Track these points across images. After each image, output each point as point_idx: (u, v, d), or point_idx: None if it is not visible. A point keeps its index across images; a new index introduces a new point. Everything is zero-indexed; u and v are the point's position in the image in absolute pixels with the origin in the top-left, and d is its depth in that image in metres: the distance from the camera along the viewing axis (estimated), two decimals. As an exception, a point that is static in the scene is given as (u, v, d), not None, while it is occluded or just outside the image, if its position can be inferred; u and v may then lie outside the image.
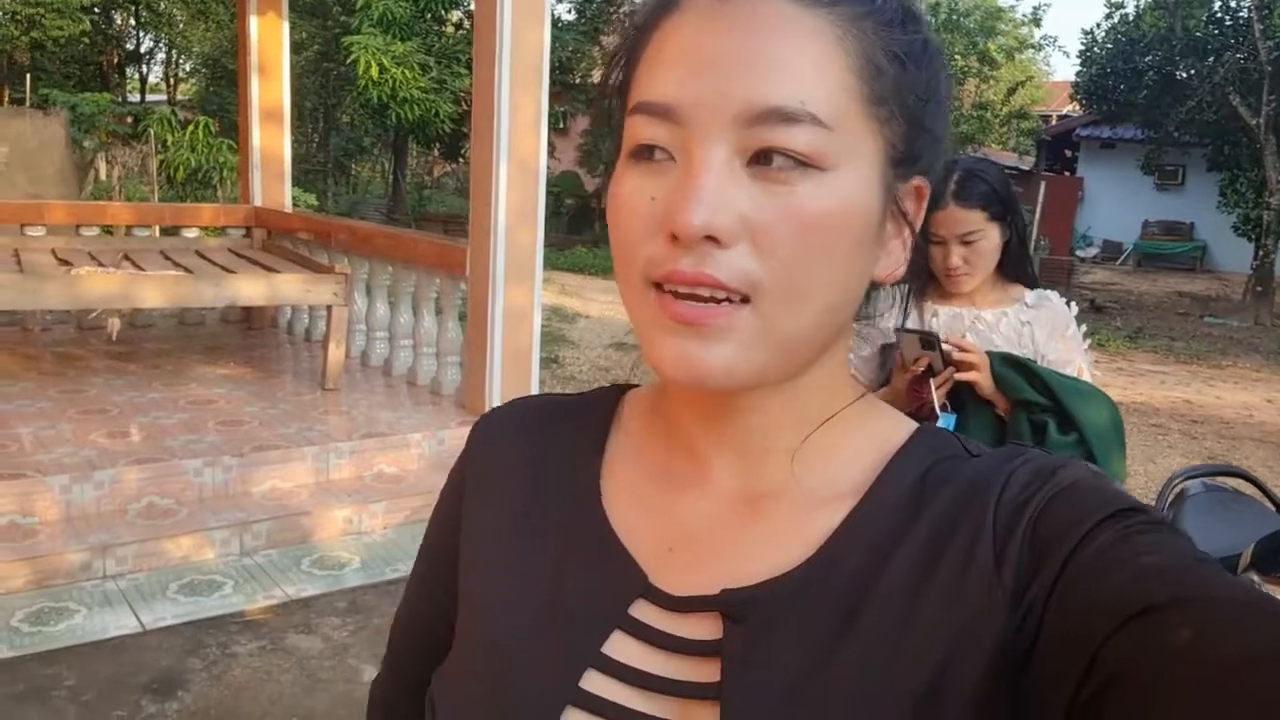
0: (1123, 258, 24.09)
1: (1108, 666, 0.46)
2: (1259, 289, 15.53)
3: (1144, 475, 6.32)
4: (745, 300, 0.53)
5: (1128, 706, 0.45)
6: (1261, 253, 15.61)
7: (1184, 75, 16.96)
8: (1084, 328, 2.12)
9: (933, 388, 1.96)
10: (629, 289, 0.57)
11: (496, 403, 4.92)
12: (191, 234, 7.13)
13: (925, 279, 2.13)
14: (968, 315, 2.10)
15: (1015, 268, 2.10)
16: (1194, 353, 11.97)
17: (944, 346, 1.97)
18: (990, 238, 2.02)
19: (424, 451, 4.79)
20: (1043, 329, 2.05)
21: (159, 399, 5.09)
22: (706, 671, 0.58)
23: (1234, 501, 2.38)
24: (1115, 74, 17.91)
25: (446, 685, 0.66)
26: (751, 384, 0.56)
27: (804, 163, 0.53)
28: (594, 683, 0.60)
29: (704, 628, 0.59)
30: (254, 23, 6.92)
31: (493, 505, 0.70)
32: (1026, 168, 23.79)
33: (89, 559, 3.69)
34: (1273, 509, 2.30)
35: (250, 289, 5.29)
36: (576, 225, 20.19)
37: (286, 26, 7.09)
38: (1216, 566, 0.50)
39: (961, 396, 2.01)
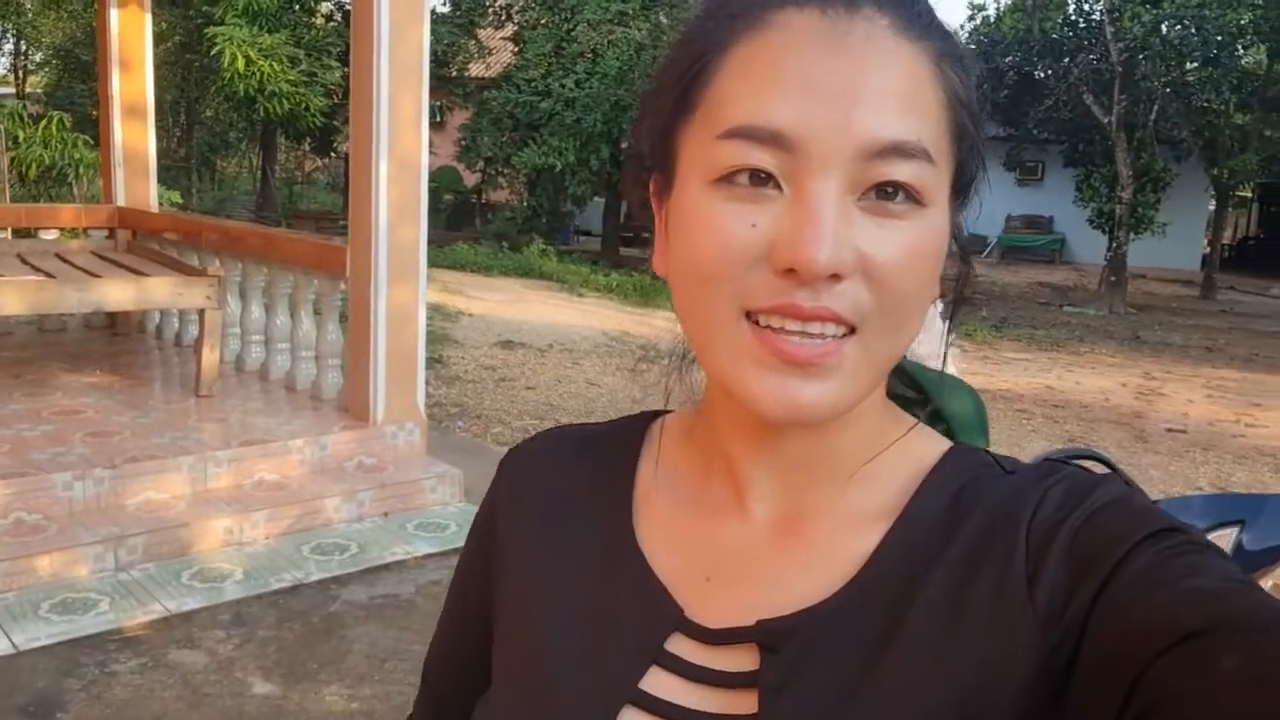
0: (987, 250, 25.10)
1: (1151, 691, 0.46)
2: (1113, 279, 16.43)
3: (1011, 459, 6.64)
4: (851, 331, 0.53)
5: None
6: (1115, 244, 16.51)
7: (1042, 75, 17.84)
8: (948, 323, 2.24)
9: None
10: (709, 315, 0.55)
11: (381, 406, 4.88)
12: (50, 236, 6.80)
13: None
14: None
15: None
16: (1055, 340, 12.61)
17: None
18: None
19: (306, 458, 4.69)
20: None
21: (21, 410, 4.85)
22: (744, 704, 0.57)
23: (1093, 483, 2.56)
24: (978, 74, 18.68)
25: (487, 714, 0.66)
26: (846, 412, 0.56)
27: (914, 198, 0.53)
28: (632, 719, 0.60)
29: (741, 659, 0.59)
30: (114, 15, 6.63)
31: (527, 539, 0.70)
32: (896, 163, 24.56)
33: (-49, 581, 3.50)
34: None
35: (117, 293, 5.09)
36: (456, 221, 19.97)
37: (149, 18, 6.82)
38: (1260, 589, 0.49)
39: None
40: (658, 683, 0.60)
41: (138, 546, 3.92)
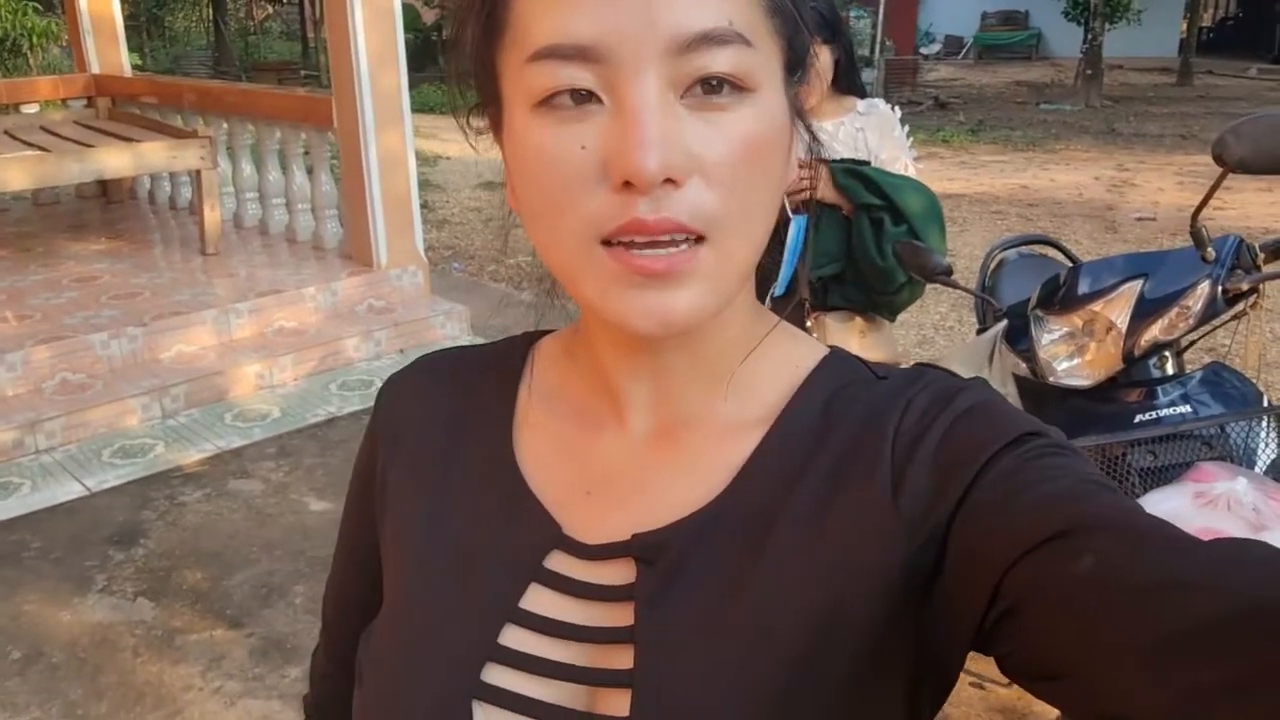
0: (964, 52, 24.75)
1: (1012, 594, 0.47)
2: (1089, 72, 16.31)
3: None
4: (700, 239, 0.51)
5: (1035, 632, 0.47)
6: (1090, 36, 16.31)
7: None
8: (907, 128, 2.48)
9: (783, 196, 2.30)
10: (564, 248, 0.54)
11: (384, 251, 5.14)
12: (32, 110, 6.85)
13: None
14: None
15: (847, 82, 2.43)
16: (1030, 140, 12.69)
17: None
18: (823, 58, 2.33)
19: (320, 304, 4.97)
20: (874, 133, 2.40)
21: (40, 281, 5.08)
22: (622, 616, 0.58)
23: (1041, 263, 2.85)
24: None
25: (370, 645, 0.67)
26: (712, 319, 0.55)
27: (738, 86, 0.51)
28: (512, 637, 0.61)
29: (619, 573, 0.59)
30: (60, -127, 6.49)
31: (408, 465, 0.69)
32: (867, -33, 23.87)
33: (19, 436, 3.83)
34: (1070, 264, 2.78)
35: (115, 161, 5.24)
36: (419, 62, 19.52)
37: (97, -125, 6.67)
38: (1114, 490, 0.51)
39: (812, 203, 2.35)
40: (538, 600, 0.61)
41: (180, 395, 4.25)
